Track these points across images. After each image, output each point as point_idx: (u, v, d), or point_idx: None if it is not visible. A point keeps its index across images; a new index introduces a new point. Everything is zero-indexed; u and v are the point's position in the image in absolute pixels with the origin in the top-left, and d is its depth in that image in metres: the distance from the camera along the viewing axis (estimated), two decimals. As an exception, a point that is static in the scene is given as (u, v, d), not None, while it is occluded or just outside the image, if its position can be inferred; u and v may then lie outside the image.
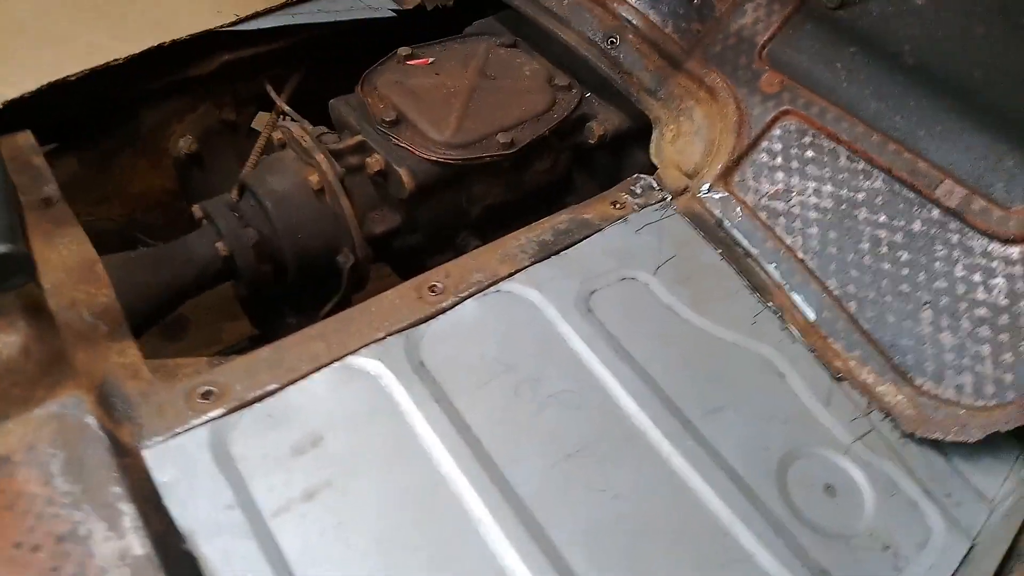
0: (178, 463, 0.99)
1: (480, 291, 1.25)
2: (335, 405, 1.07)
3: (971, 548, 1.08)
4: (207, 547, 0.92)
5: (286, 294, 1.55)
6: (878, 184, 1.31)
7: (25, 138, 1.32)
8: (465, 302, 1.22)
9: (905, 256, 1.26)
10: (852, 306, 1.27)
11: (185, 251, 1.40)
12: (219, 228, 1.42)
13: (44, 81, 1.37)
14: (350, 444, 1.03)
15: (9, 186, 1.09)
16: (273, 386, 1.09)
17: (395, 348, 1.13)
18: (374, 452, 1.03)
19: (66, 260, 1.14)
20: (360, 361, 1.11)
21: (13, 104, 1.35)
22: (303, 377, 1.10)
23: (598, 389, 1.14)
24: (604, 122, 1.61)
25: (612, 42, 1.54)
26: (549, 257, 1.31)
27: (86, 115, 1.59)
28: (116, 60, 1.47)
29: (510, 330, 1.19)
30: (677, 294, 1.28)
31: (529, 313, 1.22)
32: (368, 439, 1.04)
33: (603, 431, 1.10)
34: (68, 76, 1.40)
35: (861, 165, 1.33)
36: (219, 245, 1.40)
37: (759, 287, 1.32)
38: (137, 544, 0.89)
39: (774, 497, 1.07)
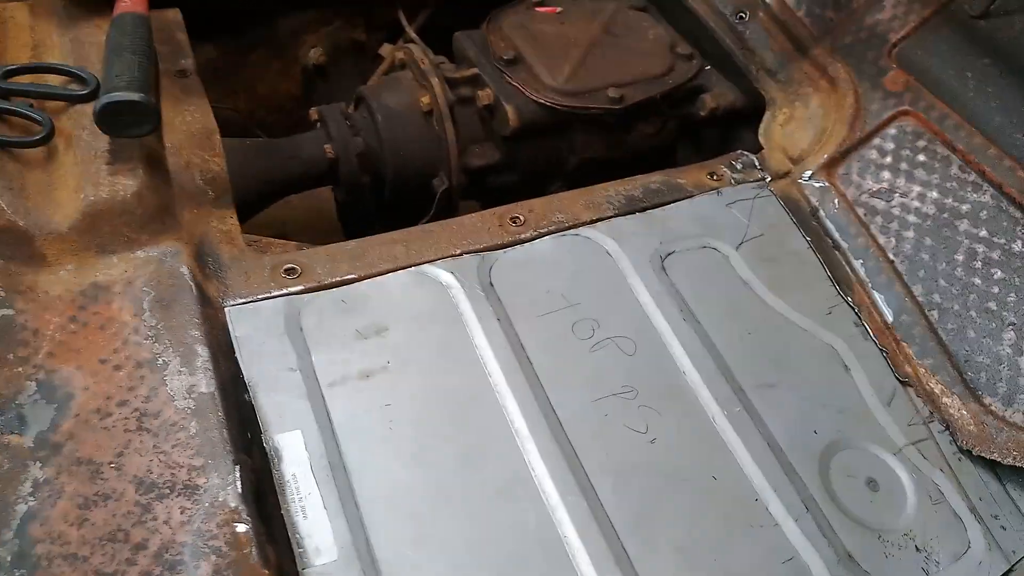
0: (253, 322, 1.06)
1: (559, 231, 1.29)
2: (404, 303, 1.13)
3: (1009, 571, 1.05)
4: (265, 399, 0.99)
5: (380, 209, 1.61)
6: (986, 198, 1.27)
7: (174, 14, 1.42)
8: (543, 238, 1.25)
9: (999, 274, 1.21)
10: (934, 315, 1.24)
11: (295, 147, 1.48)
12: (330, 132, 1.49)
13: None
14: (411, 339, 1.09)
15: (152, 51, 1.19)
16: (351, 276, 1.15)
17: (469, 265, 1.18)
18: (432, 350, 1.09)
19: (189, 126, 1.23)
20: (435, 270, 1.17)
21: (168, -15, 1.45)
22: (380, 274, 1.16)
23: (656, 342, 1.16)
24: (718, 97, 1.60)
25: (741, 17, 1.54)
26: (633, 212, 1.33)
27: (230, 11, 1.69)
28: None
29: (581, 271, 1.21)
30: (756, 272, 1.27)
31: (602, 260, 1.24)
32: (429, 338, 1.10)
33: (652, 380, 1.12)
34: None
35: (972, 177, 1.29)
36: (327, 148, 1.48)
37: (841, 281, 1.30)
38: (204, 383, 0.97)
39: (813, 478, 1.07)
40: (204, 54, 1.67)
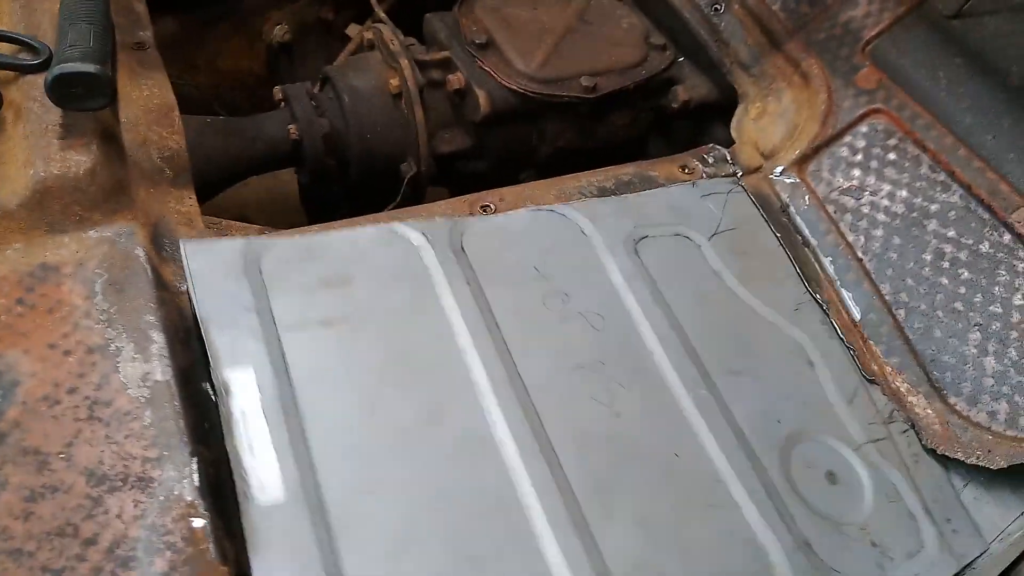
0: (210, 260, 1.03)
1: (532, 217, 1.27)
2: (371, 257, 1.11)
3: (960, 571, 1.06)
4: (217, 335, 0.96)
5: (345, 194, 1.57)
6: (955, 199, 1.27)
7: (132, -16, 1.36)
8: (519, 211, 1.24)
9: (966, 275, 1.22)
10: (901, 313, 1.24)
11: (258, 127, 1.44)
12: (295, 112, 1.45)
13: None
14: (377, 292, 1.07)
15: (108, 21, 1.13)
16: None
17: (441, 228, 1.16)
18: (397, 306, 1.07)
19: (147, 101, 1.18)
20: (405, 229, 1.15)
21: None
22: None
23: (625, 320, 1.15)
24: (691, 89, 1.59)
25: (716, 9, 1.52)
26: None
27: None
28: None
29: (555, 246, 1.20)
30: (727, 263, 1.26)
31: (577, 237, 1.23)
32: (395, 294, 1.08)
33: (620, 356, 1.11)
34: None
35: (942, 177, 1.29)
36: (291, 128, 1.43)
37: (810, 278, 1.30)
38: (160, 370, 0.92)
39: (775, 466, 1.07)
40: (164, 27, 1.61)
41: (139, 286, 0.99)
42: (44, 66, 1.07)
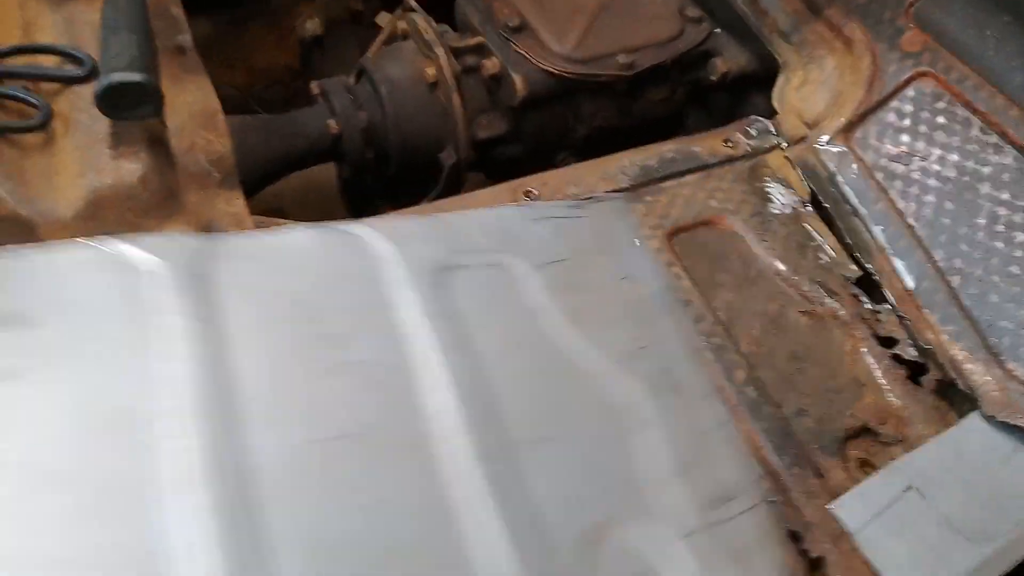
0: None
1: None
2: (72, 287, 0.86)
3: None
4: None
5: (385, 186, 1.58)
6: (1008, 160, 1.24)
7: (167, -11, 1.37)
8: (297, 229, 1.03)
9: (1021, 237, 1.20)
10: (955, 280, 1.22)
11: (298, 123, 1.44)
12: (333, 106, 1.46)
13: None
14: (69, 336, 0.82)
15: (149, 28, 1.14)
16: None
17: (179, 247, 0.93)
18: (93, 357, 0.81)
19: (191, 106, 1.19)
20: (126, 249, 0.91)
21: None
22: None
23: (413, 373, 0.92)
24: (729, 60, 1.57)
25: (752, -23, 1.49)
26: (648, 184, 1.30)
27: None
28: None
29: (336, 275, 0.97)
30: (557, 299, 1.06)
31: (368, 264, 1.00)
32: (90, 341, 0.82)
33: (396, 422, 0.88)
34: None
35: (993, 139, 1.26)
36: (331, 123, 1.44)
37: (861, 248, 1.28)
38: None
39: (575, 564, 0.85)
40: (198, 28, 1.61)
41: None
42: (89, 77, 1.09)
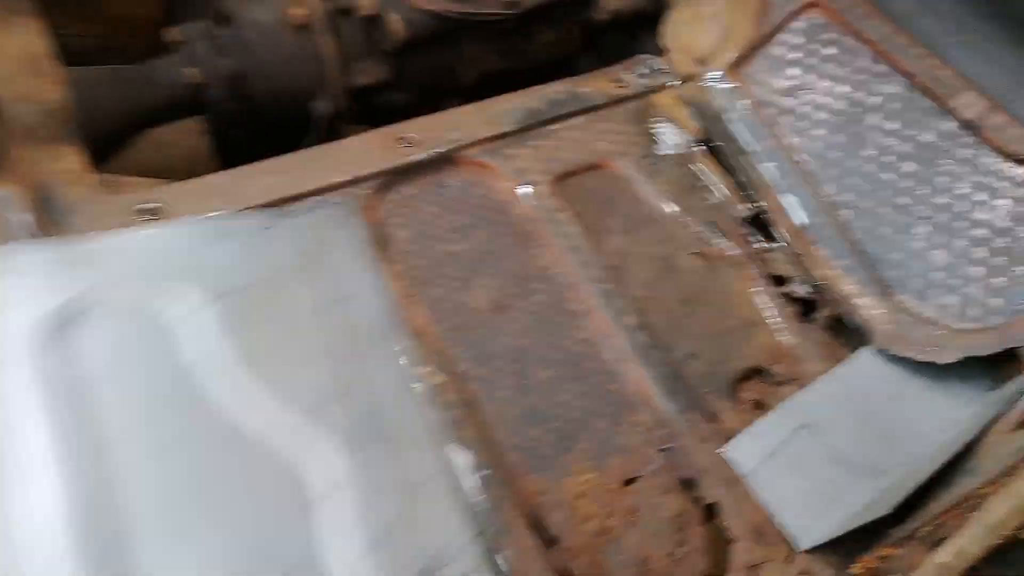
0: None
1: (455, 150, 1.18)
2: None
3: None
4: None
5: (257, 140, 1.47)
6: (896, 89, 1.22)
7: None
8: None
9: (911, 167, 1.18)
10: (846, 214, 1.20)
11: (152, 73, 1.32)
12: (194, 54, 1.34)
13: None
14: None
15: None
16: (222, 212, 1.03)
17: None
18: None
19: (20, 50, 1.07)
20: None
21: None
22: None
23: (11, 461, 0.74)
24: (618, -3, 1.51)
25: (637, -92, 1.43)
26: (534, 127, 1.24)
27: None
28: None
29: None
30: (227, 339, 0.88)
31: None
32: None
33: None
34: None
35: (882, 67, 1.23)
36: (190, 71, 1.32)
37: (752, 185, 1.25)
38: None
39: None
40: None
41: (23, 255, 0.90)
42: None
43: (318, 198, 1.06)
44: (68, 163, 1.03)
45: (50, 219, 0.97)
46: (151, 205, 1.01)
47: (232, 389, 0.84)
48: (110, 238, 0.91)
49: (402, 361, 0.92)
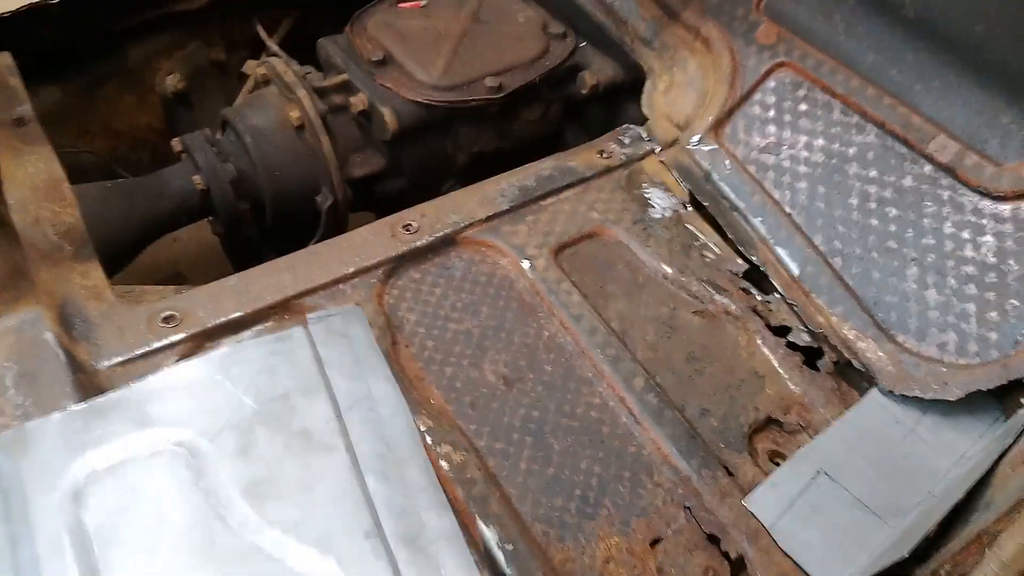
0: None
1: (455, 232, 1.23)
2: None
3: None
4: None
5: (266, 235, 1.52)
6: (871, 138, 1.27)
7: (3, 58, 1.30)
8: None
9: (894, 212, 1.22)
10: (837, 262, 1.24)
11: (161, 183, 1.38)
12: (197, 162, 1.40)
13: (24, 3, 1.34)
14: None
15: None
16: (237, 315, 1.07)
17: None
18: None
19: (33, 177, 1.12)
20: None
21: (-8, 25, 1.32)
22: (267, 309, 1.07)
23: None
24: (598, 72, 1.58)
25: (607, -12, 1.51)
26: (527, 204, 1.28)
27: (70, 45, 1.56)
28: (100, -13, 1.44)
29: None
30: (239, 473, 0.89)
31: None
32: None
33: None
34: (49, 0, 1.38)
35: (854, 119, 1.29)
36: (196, 179, 1.38)
37: (744, 241, 1.29)
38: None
39: None
40: (48, 96, 1.54)
41: (53, 373, 0.94)
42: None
43: (326, 292, 1.10)
44: (87, 279, 1.08)
45: (73, 336, 1.01)
46: (168, 313, 1.05)
47: (253, 514, 0.86)
48: (126, 393, 0.94)
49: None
